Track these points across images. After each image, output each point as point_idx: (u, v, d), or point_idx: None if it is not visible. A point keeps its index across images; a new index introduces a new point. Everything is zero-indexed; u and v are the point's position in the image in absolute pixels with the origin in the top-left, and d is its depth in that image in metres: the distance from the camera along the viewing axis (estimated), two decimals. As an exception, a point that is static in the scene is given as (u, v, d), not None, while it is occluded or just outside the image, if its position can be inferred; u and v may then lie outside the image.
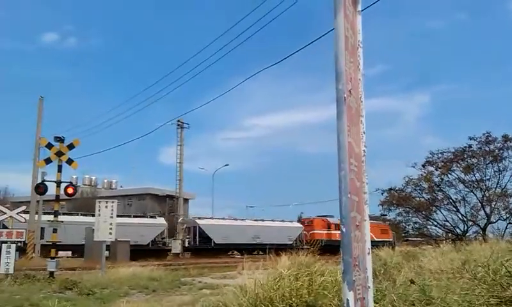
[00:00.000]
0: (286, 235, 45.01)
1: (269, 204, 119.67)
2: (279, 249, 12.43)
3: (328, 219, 46.83)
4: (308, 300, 5.51)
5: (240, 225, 44.46)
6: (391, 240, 31.91)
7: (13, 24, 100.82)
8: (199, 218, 43.67)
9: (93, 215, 19.79)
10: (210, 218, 44.71)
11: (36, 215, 32.49)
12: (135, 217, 42.24)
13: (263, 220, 47.16)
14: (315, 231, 45.12)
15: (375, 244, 18.47)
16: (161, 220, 43.54)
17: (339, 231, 2.63)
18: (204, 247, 40.79)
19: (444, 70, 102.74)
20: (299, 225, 47.97)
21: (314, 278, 6.15)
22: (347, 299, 2.51)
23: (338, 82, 2.69)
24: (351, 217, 2.67)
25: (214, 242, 41.13)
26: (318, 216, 48.52)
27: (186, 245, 42.15)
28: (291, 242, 42.71)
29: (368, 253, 2.99)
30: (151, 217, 44.07)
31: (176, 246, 39.20)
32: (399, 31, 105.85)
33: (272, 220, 47.00)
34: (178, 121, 42.17)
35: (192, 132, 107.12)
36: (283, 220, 48.00)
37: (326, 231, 45.80)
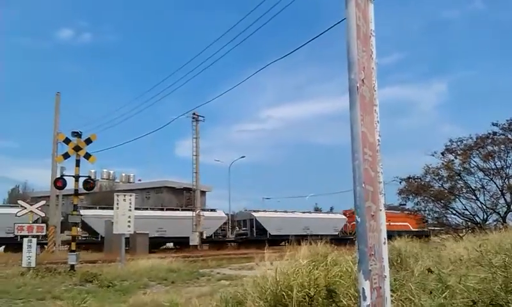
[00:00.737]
0: (332, 226, 47.26)
1: (285, 196, 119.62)
2: (327, 239, 12.76)
3: None
4: (325, 288, 5.51)
5: (292, 217, 46.88)
6: (426, 230, 32.16)
7: (29, 21, 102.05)
8: (255, 211, 46.51)
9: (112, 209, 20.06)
10: (264, 211, 47.26)
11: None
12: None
13: (310, 212, 50.32)
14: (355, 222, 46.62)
15: (413, 234, 18.31)
16: (221, 213, 46.24)
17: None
18: (260, 238, 42.23)
19: (461, 57, 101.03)
20: (343, 217, 49.86)
21: (330, 268, 6.15)
22: (363, 288, 2.51)
23: (350, 71, 2.68)
24: (366, 206, 2.66)
25: (269, 234, 43.24)
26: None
27: (242, 236, 44.64)
28: (336, 233, 45.62)
29: (384, 243, 2.98)
30: (212, 210, 46.26)
31: (194, 238, 39.48)
32: (414, 20, 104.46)
33: (319, 212, 49.00)
34: (193, 114, 42.25)
35: (208, 124, 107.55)
36: (328, 212, 51.71)
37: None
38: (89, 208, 39.92)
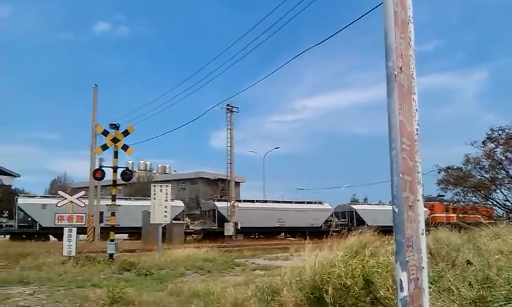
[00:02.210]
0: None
1: (320, 187, 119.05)
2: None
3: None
4: (362, 278, 5.47)
5: (387, 209, 46.61)
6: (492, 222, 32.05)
7: (68, 16, 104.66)
8: (354, 203, 51.37)
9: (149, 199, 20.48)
10: (361, 204, 51.59)
11: (95, 200, 33.91)
12: (308, 203, 48.36)
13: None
14: (436, 215, 48.73)
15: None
16: (327, 206, 48.74)
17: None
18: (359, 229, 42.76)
19: (502, 44, 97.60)
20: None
21: (367, 259, 6.09)
22: (400, 279, 2.48)
23: (388, 59, 2.62)
24: (404, 197, 2.62)
25: (367, 224, 43.39)
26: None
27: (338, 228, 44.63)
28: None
29: (422, 234, 2.92)
30: (319, 203, 48.90)
31: (229, 228, 39.85)
32: (454, 5, 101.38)
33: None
34: (228, 105, 42.46)
35: (242, 115, 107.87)
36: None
37: (445, 214, 48.43)
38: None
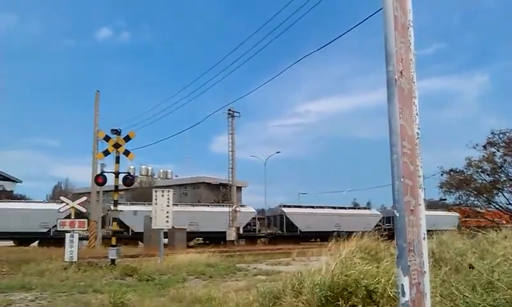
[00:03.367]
0: (447, 222, 46.73)
1: (322, 191, 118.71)
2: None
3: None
4: (364, 288, 5.45)
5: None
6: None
7: (69, 23, 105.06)
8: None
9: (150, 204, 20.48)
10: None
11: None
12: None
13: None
14: (467, 219, 48.52)
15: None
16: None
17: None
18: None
19: (503, 47, 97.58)
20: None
21: (365, 264, 6.08)
22: (402, 284, 2.47)
23: (388, 63, 2.62)
24: (405, 201, 2.61)
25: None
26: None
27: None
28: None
29: (424, 238, 2.91)
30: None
31: (231, 233, 39.80)
32: (454, 8, 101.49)
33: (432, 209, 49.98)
34: (229, 110, 42.48)
35: (244, 120, 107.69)
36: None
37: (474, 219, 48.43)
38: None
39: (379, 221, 48.03)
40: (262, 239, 45.17)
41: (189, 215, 39.51)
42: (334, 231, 43.14)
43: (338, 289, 5.59)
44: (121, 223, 36.83)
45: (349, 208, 50.83)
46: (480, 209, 25.11)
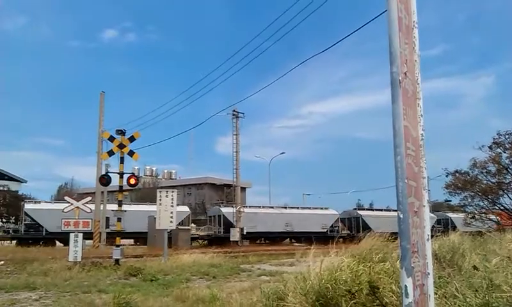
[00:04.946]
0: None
1: (326, 192, 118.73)
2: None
3: None
4: (367, 284, 5.44)
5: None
6: None
7: (76, 25, 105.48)
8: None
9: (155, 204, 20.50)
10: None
11: (102, 205, 33.99)
12: (313, 208, 48.61)
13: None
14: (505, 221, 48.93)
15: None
16: (333, 211, 48.49)
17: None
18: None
19: (508, 48, 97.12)
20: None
21: (373, 265, 6.07)
22: (406, 285, 2.47)
23: (392, 64, 2.62)
24: (409, 202, 2.61)
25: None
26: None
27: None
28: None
29: (428, 239, 2.91)
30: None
31: (234, 234, 39.78)
32: (460, 9, 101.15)
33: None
34: (233, 110, 42.47)
35: (249, 121, 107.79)
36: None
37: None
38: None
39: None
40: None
41: (284, 217, 43.59)
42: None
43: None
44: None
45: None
46: (486, 212, 24.94)
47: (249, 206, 45.45)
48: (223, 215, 42.41)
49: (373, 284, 5.31)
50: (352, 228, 47.10)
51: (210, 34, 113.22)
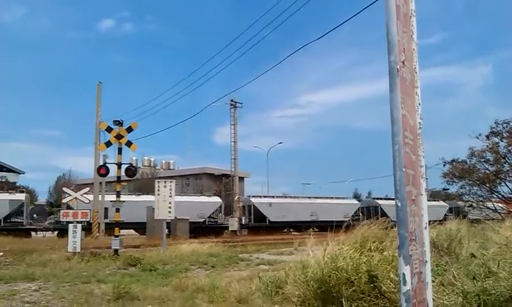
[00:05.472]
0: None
1: (325, 181, 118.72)
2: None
3: None
4: (365, 273, 5.48)
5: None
6: None
7: (74, 15, 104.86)
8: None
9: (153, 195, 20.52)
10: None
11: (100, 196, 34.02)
12: (336, 198, 49.18)
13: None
14: None
15: None
16: (354, 201, 50.77)
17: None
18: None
19: (507, 36, 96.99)
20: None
21: (371, 254, 6.11)
22: (404, 273, 2.49)
23: (390, 53, 2.62)
24: (407, 191, 2.62)
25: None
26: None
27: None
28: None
29: (426, 227, 2.92)
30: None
31: (233, 223, 39.93)
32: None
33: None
34: (231, 100, 42.42)
35: (247, 111, 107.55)
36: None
37: None
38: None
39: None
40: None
41: (310, 207, 44.74)
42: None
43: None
44: None
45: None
46: (484, 200, 24.99)
47: (276, 197, 46.94)
48: (253, 205, 43.41)
49: (372, 272, 5.35)
50: (371, 216, 46.81)
51: (209, 24, 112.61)
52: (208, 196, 46.34)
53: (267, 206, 43.13)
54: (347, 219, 44.17)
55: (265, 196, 46.98)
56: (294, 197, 48.23)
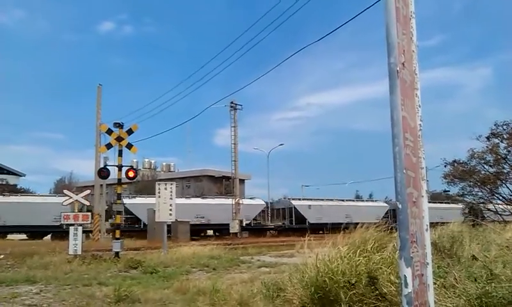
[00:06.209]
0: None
1: (325, 183, 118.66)
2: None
3: None
4: (366, 275, 5.46)
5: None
6: None
7: (74, 17, 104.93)
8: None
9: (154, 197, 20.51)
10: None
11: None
12: (367, 200, 52.35)
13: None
14: None
15: None
16: (383, 203, 51.58)
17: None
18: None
19: (507, 37, 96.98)
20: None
21: (371, 255, 6.09)
22: (405, 275, 2.48)
23: (390, 55, 2.62)
24: (407, 193, 2.61)
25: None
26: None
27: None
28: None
29: (427, 229, 2.92)
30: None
31: (234, 226, 39.91)
32: (455, 0, 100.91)
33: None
34: (231, 102, 42.39)
35: (247, 113, 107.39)
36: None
37: None
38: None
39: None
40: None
41: (344, 209, 46.07)
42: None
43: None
44: None
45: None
46: (485, 202, 24.94)
47: (313, 200, 48.95)
48: (295, 207, 45.30)
49: (372, 274, 5.33)
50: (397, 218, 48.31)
51: (208, 26, 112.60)
52: (250, 198, 48.40)
53: (307, 209, 45.46)
54: (378, 221, 44.53)
55: (304, 199, 48.97)
56: (328, 199, 49.63)
